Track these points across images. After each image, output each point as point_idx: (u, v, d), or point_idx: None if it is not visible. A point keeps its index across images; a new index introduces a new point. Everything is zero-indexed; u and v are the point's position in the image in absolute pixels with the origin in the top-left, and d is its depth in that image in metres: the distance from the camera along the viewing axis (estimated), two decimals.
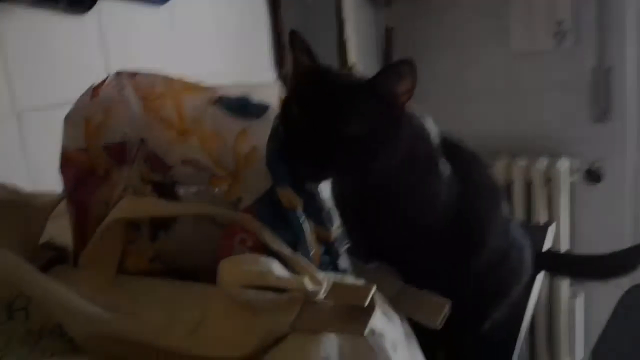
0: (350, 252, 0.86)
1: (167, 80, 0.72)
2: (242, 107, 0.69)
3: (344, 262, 0.71)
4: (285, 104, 0.68)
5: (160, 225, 0.62)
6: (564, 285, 2.39)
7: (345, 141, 0.66)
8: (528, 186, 2.34)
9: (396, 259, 0.81)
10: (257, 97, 0.73)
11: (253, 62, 1.65)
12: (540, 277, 1.10)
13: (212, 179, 0.62)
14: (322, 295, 0.53)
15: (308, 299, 0.52)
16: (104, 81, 0.70)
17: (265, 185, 0.63)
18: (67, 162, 0.66)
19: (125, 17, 1.24)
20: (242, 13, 1.67)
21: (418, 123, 0.78)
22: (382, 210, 0.76)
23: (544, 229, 1.36)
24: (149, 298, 0.57)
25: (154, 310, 0.55)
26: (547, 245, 1.30)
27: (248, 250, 0.62)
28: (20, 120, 1.01)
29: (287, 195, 0.62)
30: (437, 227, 0.79)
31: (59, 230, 0.68)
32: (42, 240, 0.67)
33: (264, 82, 0.72)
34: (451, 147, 0.84)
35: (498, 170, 2.36)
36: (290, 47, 0.72)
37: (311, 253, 0.62)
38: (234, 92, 0.74)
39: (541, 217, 2.33)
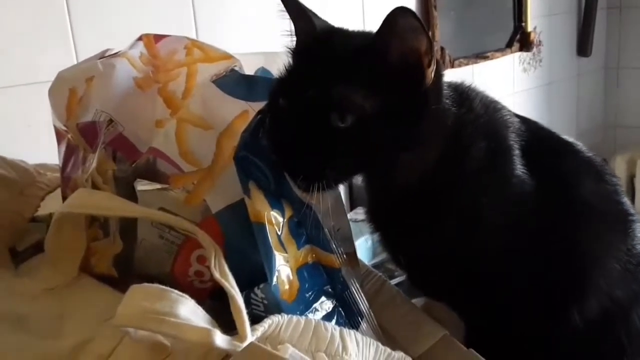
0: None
1: (190, 47, 0.62)
2: (247, 86, 0.56)
3: (354, 296, 0.54)
4: (273, 86, 0.53)
5: (125, 225, 0.53)
6: None
7: (338, 134, 0.49)
8: None
9: (451, 296, 0.61)
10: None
11: None
12: None
13: (172, 178, 0.50)
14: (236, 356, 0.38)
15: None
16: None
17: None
18: (58, 137, 0.60)
19: None
20: None
21: (478, 112, 0.57)
22: (421, 231, 0.57)
23: None
24: (80, 314, 0.49)
25: (69, 333, 0.46)
26: None
27: (206, 270, 0.49)
28: None
29: (255, 205, 0.47)
30: (510, 260, 0.57)
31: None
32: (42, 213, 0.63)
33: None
34: (548, 150, 0.60)
35: None
36: (287, 11, 0.55)
37: (274, 283, 0.47)
38: (254, 63, 0.61)
39: None
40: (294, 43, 0.55)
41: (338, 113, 0.49)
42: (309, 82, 0.50)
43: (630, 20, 2.30)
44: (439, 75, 0.52)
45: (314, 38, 0.54)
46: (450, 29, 1.61)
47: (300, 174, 0.50)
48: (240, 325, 0.41)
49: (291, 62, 0.54)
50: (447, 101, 0.54)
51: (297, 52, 0.54)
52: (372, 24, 0.50)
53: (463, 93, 0.58)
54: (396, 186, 0.56)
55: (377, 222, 0.62)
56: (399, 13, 0.47)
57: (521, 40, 1.88)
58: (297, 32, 0.55)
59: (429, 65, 0.50)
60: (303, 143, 0.49)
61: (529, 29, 1.88)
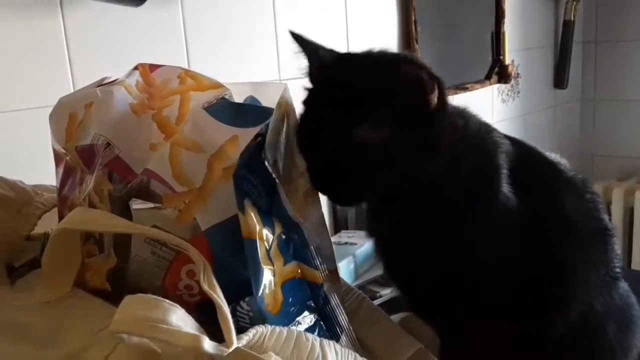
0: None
1: (183, 77, 0.66)
2: (236, 113, 0.60)
3: (335, 311, 0.58)
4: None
5: (119, 241, 0.56)
6: None
7: (356, 149, 0.56)
8: None
9: (429, 310, 0.65)
10: (268, 97, 0.64)
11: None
12: None
13: (165, 197, 0.54)
14: None
15: None
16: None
17: (233, 210, 0.53)
18: (57, 160, 0.64)
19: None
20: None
21: (469, 131, 0.62)
22: (408, 247, 0.62)
23: None
24: (75, 325, 0.51)
25: (65, 343, 0.49)
26: None
27: (195, 284, 0.53)
28: None
29: (248, 221, 0.51)
30: (496, 272, 0.61)
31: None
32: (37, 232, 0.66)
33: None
34: (534, 171, 0.65)
35: None
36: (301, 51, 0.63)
37: (259, 295, 0.50)
38: (242, 92, 0.65)
39: None
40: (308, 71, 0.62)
41: (350, 135, 0.56)
42: (325, 103, 0.58)
43: (605, 53, 2.40)
44: (443, 101, 0.59)
45: (326, 73, 0.61)
46: (431, 61, 1.66)
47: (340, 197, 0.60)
48: (227, 332, 0.44)
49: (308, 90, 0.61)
50: (453, 120, 0.61)
51: (313, 84, 0.61)
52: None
53: (462, 113, 0.65)
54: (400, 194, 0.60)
55: (375, 227, 0.66)
56: (403, 62, 0.58)
57: (499, 72, 1.96)
58: (310, 63, 0.62)
59: (432, 91, 0.57)
60: (320, 162, 0.58)
61: (507, 62, 1.96)
